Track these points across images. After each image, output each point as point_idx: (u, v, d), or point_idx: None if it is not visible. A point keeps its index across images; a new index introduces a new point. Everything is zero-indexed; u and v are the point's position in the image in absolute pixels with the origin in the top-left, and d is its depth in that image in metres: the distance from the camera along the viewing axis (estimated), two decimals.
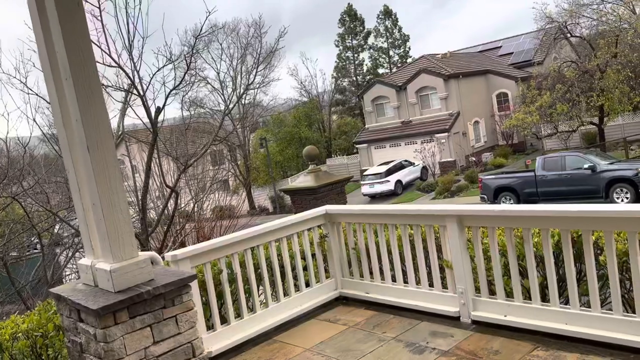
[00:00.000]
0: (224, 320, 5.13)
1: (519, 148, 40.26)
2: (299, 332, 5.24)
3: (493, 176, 25.00)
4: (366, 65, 64.53)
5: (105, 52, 9.83)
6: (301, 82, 59.91)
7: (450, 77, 40.26)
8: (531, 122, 31.64)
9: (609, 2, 33.39)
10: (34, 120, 12.92)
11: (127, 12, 10.19)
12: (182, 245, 11.51)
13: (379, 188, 35.09)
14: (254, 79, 45.95)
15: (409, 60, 59.76)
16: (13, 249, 13.46)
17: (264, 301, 5.45)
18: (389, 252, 5.47)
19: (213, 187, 17.40)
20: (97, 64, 3.79)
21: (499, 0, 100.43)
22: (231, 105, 37.23)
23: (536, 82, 32.93)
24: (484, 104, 42.60)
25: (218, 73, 47.54)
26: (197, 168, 17.42)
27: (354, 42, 63.62)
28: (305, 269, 5.77)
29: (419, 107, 42.25)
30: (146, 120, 11.03)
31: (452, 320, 4.86)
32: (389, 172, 35.53)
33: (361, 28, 63.57)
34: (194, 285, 4.41)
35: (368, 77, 61.38)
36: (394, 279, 5.47)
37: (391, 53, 65.10)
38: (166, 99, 11.55)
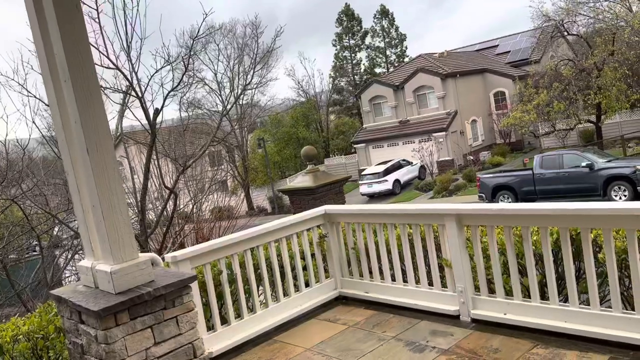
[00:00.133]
0: (224, 321, 5.14)
1: (516, 146, 40.33)
2: (299, 332, 5.25)
3: (491, 175, 25.02)
4: (364, 64, 64.62)
5: (103, 54, 9.83)
6: (298, 82, 60.12)
7: (447, 76, 40.30)
8: (528, 120, 31.70)
9: (606, 0, 33.50)
10: (33, 122, 12.91)
11: (125, 13, 10.18)
12: (181, 246, 11.52)
13: (377, 188, 35.11)
14: (252, 79, 46.00)
15: (406, 59, 59.86)
16: (12, 251, 13.43)
17: (264, 301, 5.46)
18: (388, 252, 5.48)
19: (212, 188, 17.39)
20: (95, 65, 3.79)
21: None
22: (229, 106, 37.23)
23: (533, 80, 32.99)
24: (481, 103, 42.65)
25: (215, 74, 47.56)
26: (195, 169, 17.40)
27: (352, 41, 63.69)
28: (304, 269, 5.79)
29: (416, 106, 42.28)
30: (144, 121, 11.03)
31: (452, 319, 4.87)
32: (387, 172, 35.54)
33: (358, 28, 63.63)
34: (194, 286, 4.42)
35: (365, 76, 61.43)
36: (393, 279, 5.49)
37: (388, 53, 65.17)
38: (164, 100, 11.56)
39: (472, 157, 38.34)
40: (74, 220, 12.01)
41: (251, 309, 5.38)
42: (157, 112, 10.97)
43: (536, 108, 31.13)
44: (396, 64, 60.91)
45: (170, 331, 3.70)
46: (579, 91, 30.68)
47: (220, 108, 45.86)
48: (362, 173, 37.79)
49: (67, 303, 3.78)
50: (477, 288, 4.80)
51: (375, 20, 64.79)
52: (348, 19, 63.06)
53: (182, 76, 12.66)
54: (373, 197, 35.49)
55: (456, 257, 4.78)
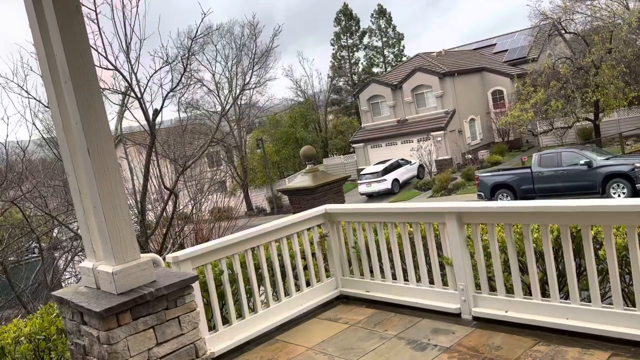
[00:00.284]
0: (226, 321, 5.14)
1: (515, 145, 40.36)
2: (301, 332, 5.26)
3: (490, 173, 25.04)
4: (362, 64, 64.64)
5: (102, 55, 9.83)
6: (296, 82, 60.00)
7: (445, 75, 40.33)
8: (527, 119, 31.72)
9: None
10: (33, 124, 12.91)
11: (124, 14, 10.18)
12: (181, 247, 11.53)
13: (376, 187, 35.11)
14: (250, 79, 45.94)
15: (404, 59, 59.88)
16: (12, 253, 13.42)
17: (265, 301, 5.47)
18: (389, 250, 5.49)
19: (211, 188, 17.39)
20: (95, 67, 3.79)
21: None
22: (227, 107, 37.18)
23: (531, 79, 33.02)
24: (479, 102, 42.69)
25: (213, 74, 47.54)
26: (194, 170, 17.41)
27: (350, 41, 63.73)
28: (305, 268, 5.79)
29: (414, 105, 42.30)
30: (144, 122, 11.03)
31: (453, 317, 4.88)
32: (386, 171, 35.56)
33: (357, 27, 63.67)
34: (196, 286, 4.43)
35: (363, 76, 61.46)
36: (394, 277, 5.49)
37: (386, 52, 65.23)
38: (163, 101, 11.55)
39: (470, 156, 38.38)
40: (74, 222, 12.02)
41: (252, 309, 5.39)
42: (156, 112, 10.97)
43: (534, 106, 31.16)
44: (394, 64, 60.94)
45: (172, 331, 3.71)
46: (576, 89, 30.71)
47: (218, 109, 45.84)
48: (361, 172, 37.79)
49: (69, 304, 3.78)
50: (478, 286, 4.81)
51: (372, 19, 64.90)
52: (346, 18, 63.10)
53: (181, 77, 12.68)
54: (372, 197, 35.50)
55: (457, 255, 4.79)
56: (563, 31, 34.48)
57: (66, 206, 12.58)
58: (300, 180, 10.86)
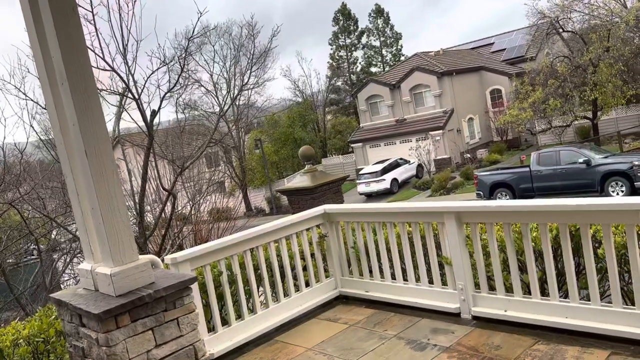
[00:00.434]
0: (225, 322, 5.13)
1: (513, 144, 40.38)
2: (300, 332, 5.25)
3: (488, 172, 25.05)
4: (360, 64, 64.62)
5: (99, 56, 9.82)
6: (295, 82, 59.97)
7: (443, 74, 40.33)
8: (525, 118, 31.73)
9: None
10: (31, 126, 12.90)
11: (120, 15, 10.17)
12: (180, 248, 11.51)
13: (375, 187, 35.11)
14: (248, 79, 45.90)
15: (402, 58, 59.88)
16: (10, 255, 13.40)
17: (265, 302, 5.46)
18: (388, 250, 5.48)
19: (209, 189, 17.38)
20: (92, 68, 3.78)
21: None
22: (226, 107, 37.15)
23: (529, 77, 33.03)
24: (477, 101, 42.70)
25: (211, 75, 47.49)
26: (192, 170, 17.39)
27: (348, 40, 63.71)
28: (304, 269, 5.78)
29: (413, 105, 42.30)
30: (141, 123, 11.02)
31: (453, 316, 4.88)
32: (385, 171, 35.56)
33: (355, 27, 63.67)
34: (195, 287, 4.42)
35: (362, 76, 61.45)
36: (393, 277, 5.49)
37: (384, 52, 65.22)
38: (161, 101, 11.55)
39: (469, 155, 38.38)
40: (72, 224, 12.00)
41: (252, 310, 5.38)
42: (154, 113, 10.96)
43: (532, 105, 31.17)
44: (392, 63, 60.94)
45: (171, 333, 3.70)
46: (574, 88, 30.72)
47: (217, 109, 45.79)
48: (360, 172, 37.79)
49: (68, 306, 3.77)
50: (477, 285, 4.81)
51: (370, 19, 64.89)
52: (344, 18, 63.10)
53: (178, 77, 12.67)
54: (371, 196, 35.51)
55: (456, 255, 4.79)
56: (561, 30, 34.48)
57: (64, 208, 12.57)
58: (299, 180, 10.85)
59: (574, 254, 4.33)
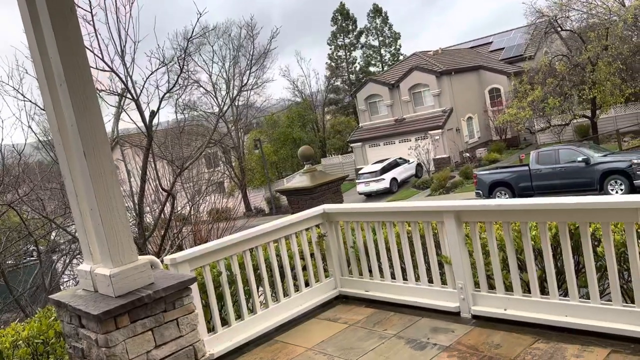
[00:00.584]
0: (225, 322, 5.13)
1: (512, 143, 40.38)
2: (300, 332, 5.25)
3: (488, 171, 25.06)
4: (359, 63, 64.61)
5: (98, 57, 9.81)
6: (293, 82, 59.97)
7: (442, 73, 40.33)
8: (524, 116, 31.73)
9: None
10: (29, 127, 12.88)
11: (117, 17, 10.16)
12: (180, 248, 11.50)
13: (374, 186, 35.12)
14: (247, 80, 45.90)
15: (401, 58, 59.87)
16: (10, 256, 13.39)
17: (264, 302, 5.46)
18: (388, 250, 5.48)
19: (209, 189, 17.37)
20: (90, 68, 3.78)
21: None
22: (225, 108, 37.14)
23: (528, 76, 33.03)
24: (476, 100, 42.70)
25: (210, 75, 47.47)
26: (192, 171, 17.38)
27: (346, 40, 63.70)
28: (304, 268, 5.78)
29: (412, 104, 42.30)
30: (140, 124, 11.01)
31: (452, 315, 4.88)
32: (384, 170, 35.57)
33: (353, 27, 63.66)
34: (194, 287, 4.41)
35: (361, 75, 61.44)
36: (393, 277, 5.49)
37: (382, 51, 65.21)
38: (160, 102, 11.54)
39: (468, 154, 38.39)
40: (72, 225, 11.99)
41: (251, 310, 5.38)
42: (153, 114, 10.95)
43: (531, 104, 31.18)
44: (391, 63, 60.94)
45: (170, 333, 3.69)
46: (573, 86, 30.73)
47: (216, 110, 45.77)
48: (359, 172, 37.80)
49: (67, 307, 3.77)
50: (477, 284, 4.81)
51: (369, 19, 64.89)
52: (343, 17, 63.09)
53: (178, 78, 12.66)
54: (370, 196, 35.51)
55: (455, 254, 4.79)
56: (559, 28, 34.49)
57: (64, 209, 12.55)
58: (298, 180, 10.85)
59: (574, 252, 4.32)
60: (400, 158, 38.05)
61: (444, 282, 5.07)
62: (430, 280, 5.20)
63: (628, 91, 29.76)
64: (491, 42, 50.64)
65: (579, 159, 21.07)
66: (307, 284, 5.80)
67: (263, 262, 5.38)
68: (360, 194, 35.88)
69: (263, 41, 42.23)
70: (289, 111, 53.93)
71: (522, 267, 4.65)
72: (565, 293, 4.37)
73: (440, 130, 39.11)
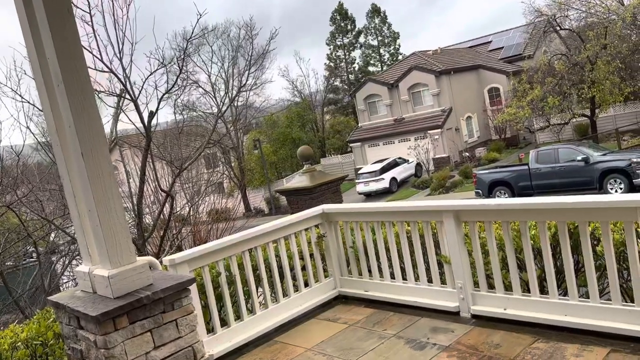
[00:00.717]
0: (224, 323, 5.12)
1: (512, 142, 40.38)
2: (300, 332, 5.24)
3: (487, 171, 25.05)
4: (358, 63, 64.62)
5: (97, 57, 9.80)
6: (292, 83, 59.97)
7: (441, 73, 40.33)
8: (523, 116, 31.75)
9: None
10: (27, 128, 12.86)
11: (114, 17, 10.15)
12: (179, 249, 11.49)
13: (374, 186, 35.11)
14: (247, 80, 45.85)
15: (400, 57, 59.87)
16: (9, 258, 13.38)
17: (264, 302, 5.45)
18: (387, 250, 5.48)
19: (208, 190, 17.36)
20: (89, 69, 3.77)
21: None
22: (224, 108, 37.13)
23: (527, 76, 33.04)
24: (476, 99, 42.70)
25: (209, 76, 47.43)
26: (191, 171, 17.37)
27: (345, 40, 63.69)
28: (303, 269, 5.77)
29: (411, 104, 42.30)
30: (139, 124, 11.00)
31: (452, 315, 4.87)
32: (384, 170, 35.56)
33: (352, 26, 63.65)
34: (193, 288, 4.40)
35: (360, 75, 61.44)
36: (392, 276, 5.48)
37: (382, 51, 65.20)
38: (159, 102, 11.53)
39: (467, 154, 38.39)
40: (71, 226, 11.97)
41: (251, 310, 5.37)
42: (151, 114, 10.94)
43: (530, 103, 31.19)
44: (390, 63, 60.95)
45: (169, 334, 3.69)
46: (572, 85, 30.74)
47: (215, 110, 45.74)
48: (359, 172, 37.79)
49: (66, 309, 3.76)
50: (476, 284, 4.80)
51: (368, 18, 64.87)
52: (341, 17, 63.07)
53: (177, 78, 12.65)
54: (370, 196, 35.51)
55: (455, 254, 4.78)
56: (558, 28, 34.52)
57: (63, 210, 12.53)
58: (297, 180, 10.85)
59: (573, 251, 4.32)
60: (399, 158, 38.05)
61: (443, 282, 5.06)
62: (430, 280, 5.19)
63: (627, 90, 29.78)
64: (490, 42, 50.62)
65: (579, 158, 21.07)
66: (306, 284, 5.79)
67: (262, 263, 5.37)
68: (360, 193, 35.88)
69: (262, 41, 42.32)
70: (288, 111, 53.92)
71: (521, 267, 4.64)
72: (564, 292, 4.36)
73: (439, 130, 39.11)
